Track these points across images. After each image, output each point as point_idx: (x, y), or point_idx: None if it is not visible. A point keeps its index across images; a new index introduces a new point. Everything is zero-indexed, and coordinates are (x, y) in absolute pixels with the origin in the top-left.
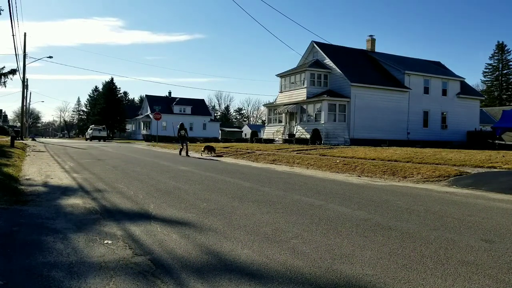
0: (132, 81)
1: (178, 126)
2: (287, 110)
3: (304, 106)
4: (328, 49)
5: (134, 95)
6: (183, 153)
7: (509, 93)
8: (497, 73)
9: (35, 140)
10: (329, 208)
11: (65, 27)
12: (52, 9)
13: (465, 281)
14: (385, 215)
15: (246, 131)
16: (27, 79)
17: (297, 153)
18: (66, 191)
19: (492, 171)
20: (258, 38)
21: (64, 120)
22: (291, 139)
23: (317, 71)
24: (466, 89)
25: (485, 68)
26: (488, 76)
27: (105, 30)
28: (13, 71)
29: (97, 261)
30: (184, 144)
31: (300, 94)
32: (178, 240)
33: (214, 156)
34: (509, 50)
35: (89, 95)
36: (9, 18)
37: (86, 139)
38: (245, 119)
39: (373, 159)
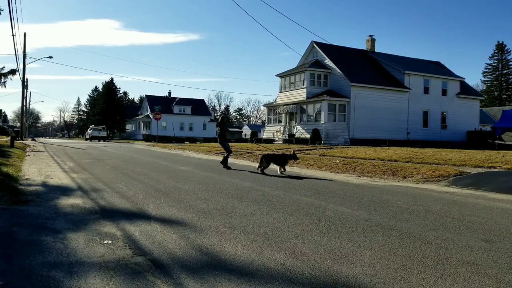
0: (132, 81)
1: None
2: (287, 110)
3: (304, 106)
4: (328, 49)
5: (134, 95)
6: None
7: (509, 93)
8: (497, 73)
9: (35, 140)
10: (329, 208)
11: (62, 28)
12: (49, 11)
13: (465, 281)
14: (385, 215)
15: (246, 131)
16: (27, 79)
17: (297, 153)
18: (65, 191)
19: (492, 171)
20: (258, 38)
21: (64, 120)
22: (291, 139)
23: (317, 71)
24: (466, 89)
25: (485, 68)
26: (488, 76)
27: (102, 32)
28: (13, 71)
29: (97, 261)
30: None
31: (300, 94)
32: (178, 241)
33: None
34: (509, 50)
35: (89, 95)
36: (9, 18)
37: (86, 139)
38: (245, 119)
39: (373, 159)
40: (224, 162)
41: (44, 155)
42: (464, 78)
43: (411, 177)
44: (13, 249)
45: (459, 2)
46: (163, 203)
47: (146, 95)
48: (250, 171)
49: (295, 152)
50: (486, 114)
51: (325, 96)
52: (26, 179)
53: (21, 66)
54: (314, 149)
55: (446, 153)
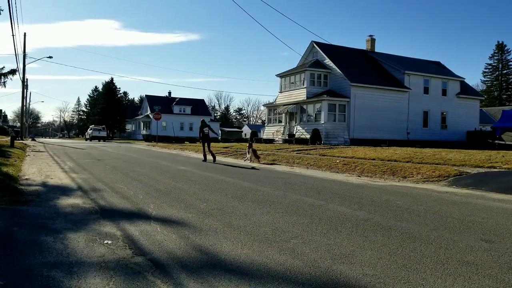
0: (132, 81)
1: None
2: (287, 110)
3: (304, 106)
4: (328, 49)
5: (134, 95)
6: (209, 157)
7: (509, 93)
8: (497, 73)
9: (35, 140)
10: (329, 208)
11: (62, 29)
12: (49, 11)
13: (465, 281)
14: (385, 215)
15: (246, 131)
16: (27, 79)
17: (297, 153)
18: (65, 191)
19: (492, 171)
20: (258, 38)
21: (64, 120)
22: (291, 139)
23: (317, 71)
24: (466, 89)
25: (485, 68)
26: (488, 76)
27: (102, 32)
28: (13, 71)
29: (97, 261)
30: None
31: (300, 94)
32: (178, 241)
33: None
34: (509, 50)
35: (89, 95)
36: (9, 18)
37: (86, 139)
38: (245, 119)
39: (373, 159)
40: (214, 158)
41: (44, 155)
42: (464, 78)
43: (411, 177)
44: (13, 249)
45: (459, 2)
46: (163, 203)
47: (146, 95)
48: (250, 171)
49: (252, 143)
50: (486, 114)
51: (325, 96)
52: (26, 179)
53: (21, 66)
54: (314, 149)
55: (446, 153)
